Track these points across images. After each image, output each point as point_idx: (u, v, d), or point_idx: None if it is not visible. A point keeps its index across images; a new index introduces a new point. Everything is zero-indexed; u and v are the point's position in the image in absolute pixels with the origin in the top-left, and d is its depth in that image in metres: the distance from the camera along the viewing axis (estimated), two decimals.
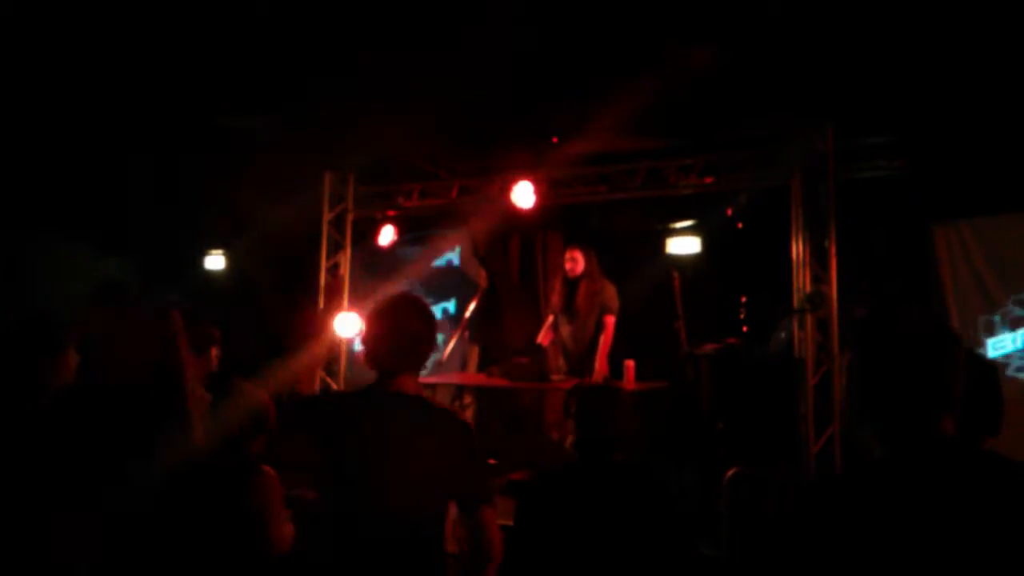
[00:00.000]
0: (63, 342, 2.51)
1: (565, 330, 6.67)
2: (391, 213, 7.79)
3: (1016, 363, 6.26)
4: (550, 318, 6.88)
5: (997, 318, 6.27)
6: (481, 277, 8.50)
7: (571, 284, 6.60)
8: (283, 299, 8.58)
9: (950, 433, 1.56)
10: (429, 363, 3.00)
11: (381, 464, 2.43)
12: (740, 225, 7.27)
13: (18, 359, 2.44)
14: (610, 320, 6.43)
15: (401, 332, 2.53)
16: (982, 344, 6.31)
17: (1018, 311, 6.22)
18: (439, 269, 9.19)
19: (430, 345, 2.61)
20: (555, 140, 6.54)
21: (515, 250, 8.54)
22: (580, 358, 6.53)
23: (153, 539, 2.08)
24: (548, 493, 2.82)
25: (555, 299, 6.83)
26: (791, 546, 1.60)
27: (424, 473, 2.42)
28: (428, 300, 9.54)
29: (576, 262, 6.55)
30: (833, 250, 5.62)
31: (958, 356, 1.59)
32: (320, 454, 2.54)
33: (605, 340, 6.39)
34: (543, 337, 6.82)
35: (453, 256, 9.29)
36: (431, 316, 2.64)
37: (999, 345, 6.31)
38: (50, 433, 2.14)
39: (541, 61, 5.05)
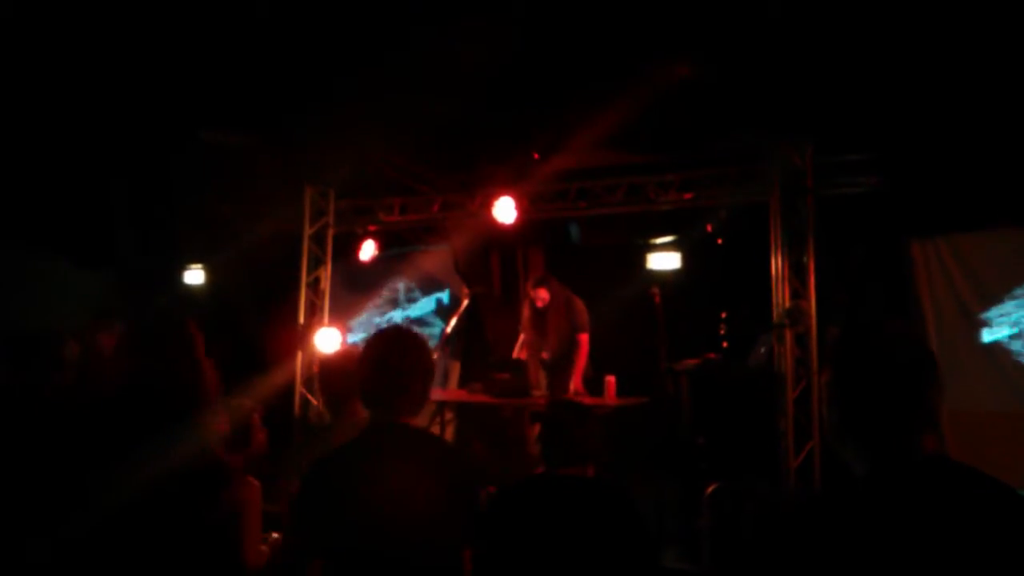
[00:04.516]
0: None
1: (543, 352, 6.73)
2: (372, 228, 7.77)
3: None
4: (522, 337, 6.92)
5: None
6: (462, 293, 8.49)
7: (539, 312, 6.68)
8: (262, 314, 8.52)
9: (931, 450, 1.56)
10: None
11: (386, 515, 2.16)
12: (720, 241, 7.30)
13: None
14: (583, 338, 6.51)
15: (390, 367, 2.31)
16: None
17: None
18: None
19: (420, 377, 2.34)
20: (536, 156, 6.55)
21: (496, 265, 8.54)
22: (560, 375, 6.56)
23: (117, 544, 2.07)
24: (509, 504, 2.81)
25: (527, 331, 6.87)
26: (776, 567, 1.59)
27: (432, 519, 2.17)
28: (417, 294, 9.55)
29: (544, 300, 6.62)
30: (812, 265, 5.65)
31: (936, 373, 1.60)
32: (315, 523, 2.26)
33: (580, 359, 6.45)
34: (519, 352, 6.86)
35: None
36: (420, 347, 2.40)
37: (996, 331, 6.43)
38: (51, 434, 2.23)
39: (521, 76, 5.07)
